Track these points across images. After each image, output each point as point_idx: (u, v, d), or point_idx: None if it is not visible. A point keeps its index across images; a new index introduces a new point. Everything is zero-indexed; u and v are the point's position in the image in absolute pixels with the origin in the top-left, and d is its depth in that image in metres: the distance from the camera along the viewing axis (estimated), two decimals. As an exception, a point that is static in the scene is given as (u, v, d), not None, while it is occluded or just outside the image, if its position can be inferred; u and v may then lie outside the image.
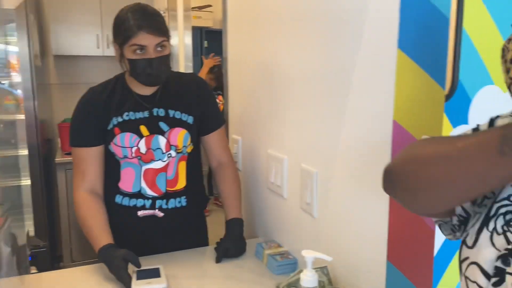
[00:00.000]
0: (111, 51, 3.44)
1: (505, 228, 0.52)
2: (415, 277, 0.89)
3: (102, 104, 1.32)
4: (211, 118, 1.44)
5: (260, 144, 1.49)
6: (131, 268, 1.15)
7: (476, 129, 0.62)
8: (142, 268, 1.16)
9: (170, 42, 1.32)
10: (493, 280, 0.50)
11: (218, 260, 1.30)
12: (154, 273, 1.13)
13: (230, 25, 1.73)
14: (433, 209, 0.56)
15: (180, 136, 1.35)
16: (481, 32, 0.95)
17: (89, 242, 1.26)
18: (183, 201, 1.39)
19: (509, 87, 0.52)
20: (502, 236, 0.51)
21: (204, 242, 1.54)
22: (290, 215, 1.29)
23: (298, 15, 1.17)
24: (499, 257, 0.50)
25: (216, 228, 1.57)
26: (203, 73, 4.10)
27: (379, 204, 0.88)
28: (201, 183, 1.52)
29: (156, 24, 1.24)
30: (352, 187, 0.98)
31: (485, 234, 0.54)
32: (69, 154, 3.11)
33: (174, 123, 1.35)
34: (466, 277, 0.56)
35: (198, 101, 1.40)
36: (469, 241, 0.55)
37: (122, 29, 1.24)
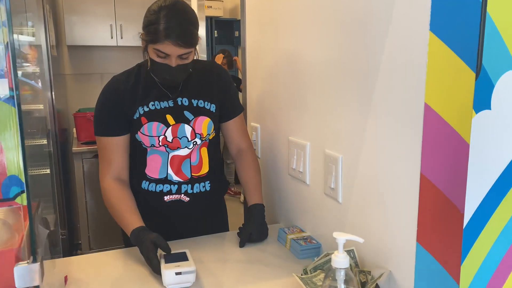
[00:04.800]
0: (124, 41, 3.48)
1: None
2: (444, 259, 0.90)
3: (127, 93, 1.33)
4: (231, 105, 1.45)
5: (280, 131, 1.50)
6: (159, 253, 1.17)
7: None
8: (168, 252, 1.18)
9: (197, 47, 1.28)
10: None
11: (242, 244, 1.33)
12: (181, 257, 1.15)
13: (249, 14, 1.73)
14: None
15: (205, 125, 1.36)
16: (505, 17, 0.94)
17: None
18: (207, 185, 1.41)
19: None
20: None
21: (225, 228, 1.57)
22: (313, 201, 1.30)
23: (319, 3, 1.17)
24: None
25: (229, 216, 1.59)
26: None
27: (408, 188, 0.89)
28: (222, 169, 1.54)
29: (186, 35, 1.19)
30: (380, 171, 0.98)
31: None
32: (85, 143, 3.15)
33: (198, 111, 1.36)
34: None
35: (219, 89, 1.41)
36: None
37: (151, 29, 1.20)
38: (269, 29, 1.53)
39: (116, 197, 1.31)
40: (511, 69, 1.05)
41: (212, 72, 1.44)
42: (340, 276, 0.85)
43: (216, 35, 5.71)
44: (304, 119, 1.32)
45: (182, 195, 1.38)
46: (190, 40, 1.22)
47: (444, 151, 0.87)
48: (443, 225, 0.89)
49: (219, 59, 4.35)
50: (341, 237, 0.85)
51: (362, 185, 1.05)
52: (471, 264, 1.00)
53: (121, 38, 3.38)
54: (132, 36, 3.19)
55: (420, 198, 0.87)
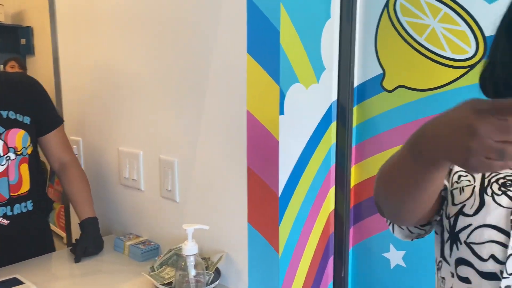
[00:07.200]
0: None
1: (503, 189, 0.60)
2: (267, 233, 1.13)
3: None
4: (47, 117, 1.40)
5: (108, 143, 1.52)
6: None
7: None
8: (-4, 281, 1.08)
9: None
10: None
11: (78, 259, 1.30)
12: (14, 283, 1.08)
13: (60, 24, 1.68)
14: (413, 220, 0.62)
15: (19, 137, 1.28)
16: (289, 44, 1.24)
17: None
18: (28, 205, 1.32)
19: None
20: (503, 196, 0.59)
21: (52, 248, 1.48)
22: (149, 205, 1.38)
23: (145, 15, 1.27)
24: None
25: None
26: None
27: (238, 179, 1.08)
28: (44, 186, 1.46)
29: None
30: (213, 169, 1.15)
31: (487, 198, 0.61)
32: None
33: (10, 124, 1.27)
34: (470, 243, 0.61)
35: (32, 101, 1.35)
36: (469, 211, 0.61)
37: None
38: (86, 39, 1.53)
39: None
40: (296, 83, 1.37)
41: (23, 83, 1.36)
42: (191, 261, 0.98)
43: (-3, 42, 5.00)
44: (135, 128, 1.39)
45: (1, 218, 1.26)
46: None
47: (263, 147, 1.10)
48: (265, 206, 1.12)
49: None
50: (189, 227, 0.98)
51: (198, 182, 1.20)
52: (282, 240, 1.26)
53: None
54: None
55: (248, 186, 1.07)
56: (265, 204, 1.12)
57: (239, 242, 1.11)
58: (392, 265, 1.43)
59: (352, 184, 1.50)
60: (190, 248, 0.97)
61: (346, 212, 1.49)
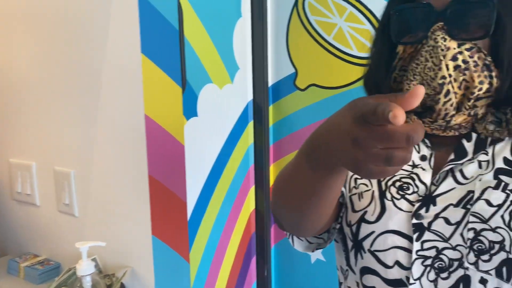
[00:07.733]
0: None
1: (401, 192, 0.59)
2: (176, 244, 1.07)
3: None
4: None
5: (-4, 154, 1.36)
6: None
7: None
8: None
9: None
10: (415, 235, 0.56)
11: (-39, 289, 1.14)
12: None
13: None
14: (314, 230, 0.59)
15: None
16: (199, 42, 1.19)
17: None
18: None
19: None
20: (403, 200, 0.58)
21: None
22: (47, 221, 1.25)
23: (32, 13, 1.15)
24: (413, 216, 0.56)
25: None
26: None
27: (140, 190, 1.01)
28: None
29: None
30: (113, 179, 1.06)
31: (388, 203, 0.59)
32: None
33: None
34: (374, 251, 0.59)
35: None
36: (371, 218, 0.60)
37: None
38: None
39: None
40: (209, 83, 1.32)
41: None
42: (87, 282, 0.89)
43: None
44: (26, 137, 1.25)
45: None
46: None
47: (166, 153, 1.03)
48: (172, 215, 1.05)
49: None
50: (83, 246, 0.89)
51: (98, 194, 1.10)
52: (199, 247, 1.21)
53: None
54: None
55: (150, 196, 1.00)
56: (173, 213, 1.06)
57: (144, 255, 1.03)
58: (313, 260, 1.44)
59: (272, 182, 1.48)
60: (85, 268, 0.88)
61: (267, 211, 1.47)
